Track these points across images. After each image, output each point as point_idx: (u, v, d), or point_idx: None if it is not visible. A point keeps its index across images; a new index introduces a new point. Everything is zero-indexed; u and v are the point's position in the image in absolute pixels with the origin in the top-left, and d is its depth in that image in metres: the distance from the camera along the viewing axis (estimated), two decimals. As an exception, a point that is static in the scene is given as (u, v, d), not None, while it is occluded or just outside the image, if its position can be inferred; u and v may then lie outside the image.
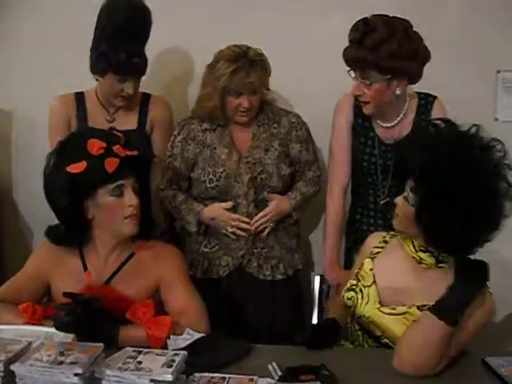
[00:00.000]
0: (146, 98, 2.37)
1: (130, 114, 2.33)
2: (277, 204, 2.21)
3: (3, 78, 2.72)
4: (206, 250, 2.25)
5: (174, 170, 2.25)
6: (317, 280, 2.08)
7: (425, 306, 1.59)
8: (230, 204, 2.17)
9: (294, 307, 2.30)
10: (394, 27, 1.94)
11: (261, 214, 2.19)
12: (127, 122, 2.30)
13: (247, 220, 2.17)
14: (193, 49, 2.59)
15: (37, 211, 2.48)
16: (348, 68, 2.01)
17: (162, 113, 2.37)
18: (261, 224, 2.19)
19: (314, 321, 1.77)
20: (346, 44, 2.01)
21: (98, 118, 2.27)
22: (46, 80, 2.60)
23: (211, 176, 2.17)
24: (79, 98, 2.35)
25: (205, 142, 2.21)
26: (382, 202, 2.16)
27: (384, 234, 1.83)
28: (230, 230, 2.17)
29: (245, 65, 2.09)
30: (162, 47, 2.55)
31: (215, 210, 2.18)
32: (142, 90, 2.32)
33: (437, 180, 1.50)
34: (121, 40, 2.12)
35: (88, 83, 2.28)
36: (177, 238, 2.30)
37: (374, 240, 1.82)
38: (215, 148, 2.20)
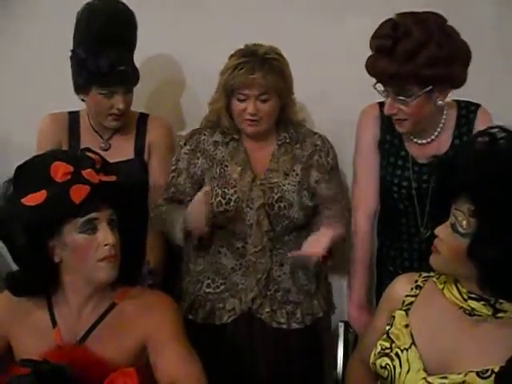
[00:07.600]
0: (142, 119, 2.05)
1: (127, 139, 2.02)
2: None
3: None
4: (208, 290, 1.89)
5: (177, 188, 1.90)
6: (341, 328, 1.86)
7: (487, 371, 1.25)
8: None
9: (312, 361, 1.94)
10: (430, 26, 1.60)
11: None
12: (124, 149, 2.01)
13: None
14: (183, 57, 2.27)
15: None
16: (374, 81, 1.69)
17: (158, 135, 2.04)
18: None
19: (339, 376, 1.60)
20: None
21: (91, 146, 1.90)
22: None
23: (220, 198, 1.81)
24: (73, 119, 2.04)
25: (215, 157, 1.88)
26: (426, 235, 1.79)
27: (415, 275, 1.46)
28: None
29: (252, 61, 1.78)
30: (146, 56, 2.19)
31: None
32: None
33: (507, 199, 1.17)
34: (101, 45, 1.82)
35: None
36: (172, 279, 1.96)
37: (403, 285, 1.45)
38: (226, 165, 1.86)
